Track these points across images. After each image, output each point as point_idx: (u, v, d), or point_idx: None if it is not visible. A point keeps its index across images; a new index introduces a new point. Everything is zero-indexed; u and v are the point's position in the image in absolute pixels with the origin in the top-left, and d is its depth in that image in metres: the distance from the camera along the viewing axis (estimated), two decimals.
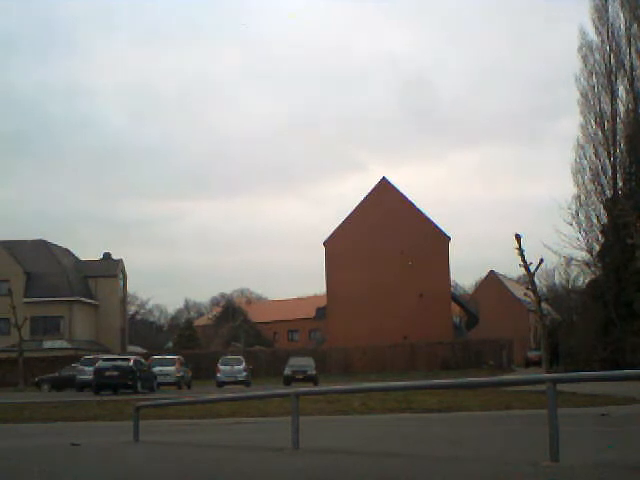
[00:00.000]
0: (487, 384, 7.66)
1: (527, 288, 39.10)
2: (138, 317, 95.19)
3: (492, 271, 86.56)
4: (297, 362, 42.67)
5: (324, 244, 64.89)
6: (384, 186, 65.20)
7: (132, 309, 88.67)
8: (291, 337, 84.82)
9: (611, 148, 40.65)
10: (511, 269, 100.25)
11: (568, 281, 62.30)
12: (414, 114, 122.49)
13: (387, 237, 61.28)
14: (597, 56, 41.48)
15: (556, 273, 68.89)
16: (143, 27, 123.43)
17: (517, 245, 36.66)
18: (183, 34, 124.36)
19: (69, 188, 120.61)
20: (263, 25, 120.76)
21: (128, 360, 33.54)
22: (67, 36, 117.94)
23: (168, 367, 37.82)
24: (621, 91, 41.38)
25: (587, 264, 42.96)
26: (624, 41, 41.28)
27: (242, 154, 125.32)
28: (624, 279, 37.57)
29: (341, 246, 62.26)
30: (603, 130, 40.79)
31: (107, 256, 69.58)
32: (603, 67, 41.28)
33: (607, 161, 40.73)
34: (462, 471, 4.95)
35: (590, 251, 41.00)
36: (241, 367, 41.21)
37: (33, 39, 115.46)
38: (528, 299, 42.91)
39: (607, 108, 40.96)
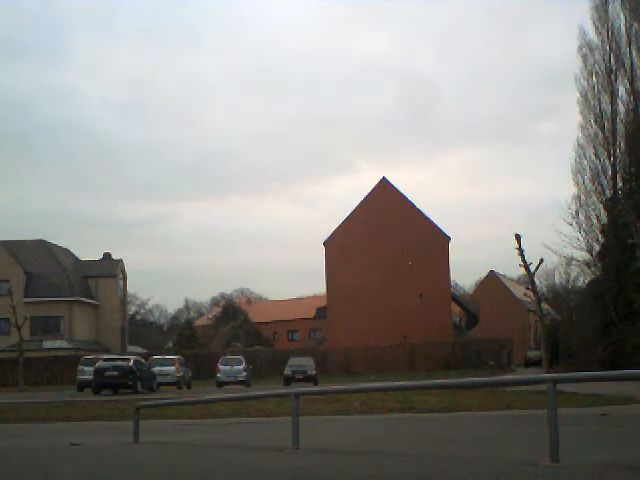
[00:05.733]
0: (487, 384, 7.65)
1: (527, 288, 39.08)
2: (138, 317, 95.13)
3: (492, 271, 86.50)
4: (297, 362, 42.66)
5: (324, 244, 64.85)
6: (384, 186, 65.13)
7: (132, 309, 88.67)
8: (291, 337, 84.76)
9: (611, 148, 40.61)
10: (511, 269, 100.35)
11: (568, 281, 62.40)
12: (411, 114, 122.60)
13: (387, 237, 61.23)
14: (597, 56, 41.46)
15: (556, 273, 69.01)
16: (136, 28, 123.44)
17: (517, 245, 36.66)
18: (179, 35, 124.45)
19: (69, 188, 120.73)
20: (258, 28, 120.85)
21: (128, 360, 33.57)
22: (60, 38, 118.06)
23: (168, 367, 37.84)
24: (621, 91, 41.36)
25: (587, 264, 42.94)
26: (624, 41, 41.23)
27: (242, 155, 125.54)
28: (624, 279, 37.53)
29: (341, 246, 62.22)
30: (603, 130, 40.75)
31: (107, 256, 69.51)
32: (603, 67, 41.23)
33: (607, 161, 40.71)
34: (462, 471, 4.95)
35: (590, 251, 40.99)
36: (241, 367, 41.21)
37: (27, 42, 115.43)
38: (528, 299, 42.88)
39: (607, 108, 40.92)
